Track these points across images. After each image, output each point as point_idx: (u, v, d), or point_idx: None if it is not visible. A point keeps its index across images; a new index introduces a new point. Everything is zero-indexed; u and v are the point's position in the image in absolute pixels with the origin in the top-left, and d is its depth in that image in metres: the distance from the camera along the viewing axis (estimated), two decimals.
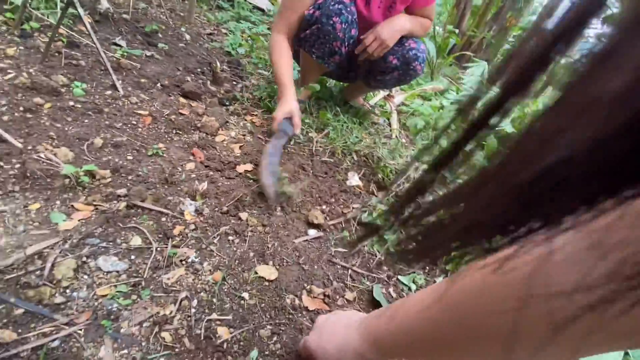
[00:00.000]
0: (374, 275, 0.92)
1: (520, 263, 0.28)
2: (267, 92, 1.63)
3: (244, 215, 0.95)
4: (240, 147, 1.24)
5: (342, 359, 0.52)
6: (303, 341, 0.63)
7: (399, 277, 0.93)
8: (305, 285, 0.82)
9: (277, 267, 0.84)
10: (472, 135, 0.19)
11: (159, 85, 1.44)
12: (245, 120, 1.43)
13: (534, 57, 0.16)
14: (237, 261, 0.83)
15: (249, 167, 1.13)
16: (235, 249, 0.86)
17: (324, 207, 1.09)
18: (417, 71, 1.47)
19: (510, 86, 0.17)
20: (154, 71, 1.51)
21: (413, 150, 1.60)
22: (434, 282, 0.95)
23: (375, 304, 0.83)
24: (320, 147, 1.38)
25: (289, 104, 1.26)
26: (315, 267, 0.88)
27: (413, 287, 0.92)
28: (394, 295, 0.88)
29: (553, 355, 0.31)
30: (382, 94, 2.01)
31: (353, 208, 1.13)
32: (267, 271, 0.82)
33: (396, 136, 1.71)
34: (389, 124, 1.81)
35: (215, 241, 0.86)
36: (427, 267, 1.02)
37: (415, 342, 0.42)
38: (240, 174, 1.10)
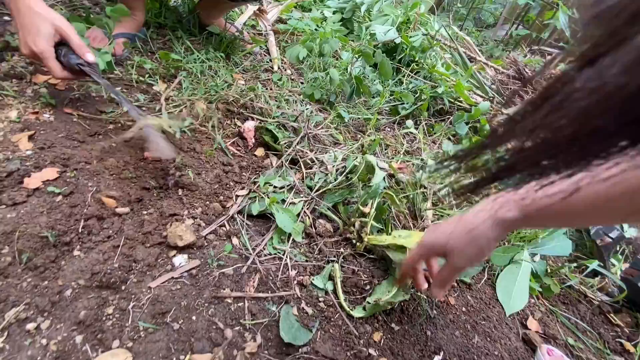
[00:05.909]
0: (282, 292, 0.69)
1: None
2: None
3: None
4: (32, 137, 0.76)
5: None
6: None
7: (313, 281, 0.73)
8: (182, 357, 0.55)
9: (130, 345, 0.54)
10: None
11: None
12: (36, 84, 0.88)
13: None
14: None
15: (52, 173, 0.69)
16: (43, 341, 0.51)
17: (193, 210, 0.76)
18: None
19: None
20: None
21: (302, 85, 1.28)
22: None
23: (286, 344, 0.61)
24: (173, 106, 0.96)
25: (41, 14, 0.67)
26: (194, 317, 0.60)
27: (329, 286, 0.73)
28: (310, 311, 0.68)
29: None
30: (250, 9, 1.53)
31: (237, 196, 0.83)
32: None
33: (279, 68, 1.34)
34: (267, 52, 1.41)
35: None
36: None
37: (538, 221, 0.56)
38: (37, 189, 0.66)
